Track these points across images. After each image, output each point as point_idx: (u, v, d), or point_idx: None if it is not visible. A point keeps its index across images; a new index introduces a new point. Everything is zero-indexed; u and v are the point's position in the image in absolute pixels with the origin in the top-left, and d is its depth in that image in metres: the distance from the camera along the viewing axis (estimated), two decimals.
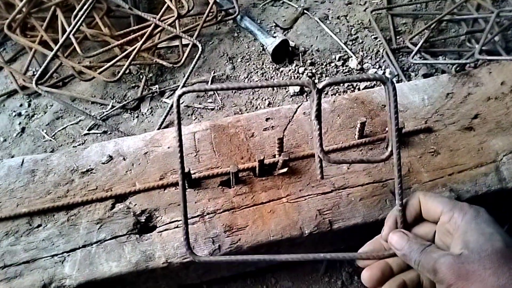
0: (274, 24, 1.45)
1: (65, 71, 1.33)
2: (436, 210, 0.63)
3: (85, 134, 1.16)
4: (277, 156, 0.88)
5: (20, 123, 1.21)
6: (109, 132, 1.15)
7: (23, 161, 0.91)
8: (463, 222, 0.58)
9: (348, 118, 0.96)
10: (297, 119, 0.97)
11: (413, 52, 1.30)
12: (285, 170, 0.85)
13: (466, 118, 0.96)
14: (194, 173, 0.86)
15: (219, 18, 1.43)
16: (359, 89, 1.27)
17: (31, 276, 0.75)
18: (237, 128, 0.95)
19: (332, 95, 1.25)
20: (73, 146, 1.14)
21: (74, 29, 1.21)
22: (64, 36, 1.21)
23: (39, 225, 0.81)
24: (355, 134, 0.92)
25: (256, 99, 1.25)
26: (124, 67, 1.20)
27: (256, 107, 1.22)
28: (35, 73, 1.29)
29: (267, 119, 0.97)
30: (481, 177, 0.87)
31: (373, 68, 1.32)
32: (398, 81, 1.28)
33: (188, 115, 1.20)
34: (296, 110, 0.98)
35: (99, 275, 0.75)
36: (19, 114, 1.23)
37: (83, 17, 1.21)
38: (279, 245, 0.81)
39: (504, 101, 1.00)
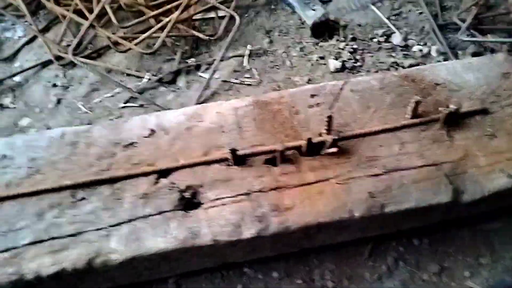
0: None
1: (99, 42, 1.30)
2: None
3: (121, 107, 1.14)
4: (324, 134, 0.84)
5: (55, 94, 1.19)
6: (145, 106, 1.13)
7: (63, 132, 0.90)
8: None
9: (399, 97, 0.92)
10: (344, 96, 0.93)
11: (462, 29, 1.22)
12: (334, 150, 0.82)
13: None
14: (237, 150, 0.83)
15: None
16: (403, 67, 1.21)
17: (77, 249, 0.75)
18: (281, 105, 0.92)
19: (375, 72, 1.19)
20: (110, 119, 1.12)
21: None
22: (100, 4, 1.18)
23: (83, 198, 0.80)
24: (406, 114, 0.87)
25: (294, 75, 1.20)
26: (160, 38, 1.16)
27: (295, 84, 1.18)
28: (69, 43, 1.26)
29: (312, 96, 0.93)
30: None
31: (418, 45, 1.26)
32: (445, 59, 1.21)
33: (225, 90, 1.17)
34: (343, 87, 0.94)
35: (145, 250, 0.74)
36: (55, 85, 1.21)
37: None
38: (327, 227, 0.79)
39: None
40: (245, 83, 1.19)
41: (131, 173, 0.82)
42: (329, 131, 0.83)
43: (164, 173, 0.83)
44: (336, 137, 0.80)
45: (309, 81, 1.18)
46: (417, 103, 0.83)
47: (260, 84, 1.19)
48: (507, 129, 0.86)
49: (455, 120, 0.86)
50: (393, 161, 0.82)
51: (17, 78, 1.23)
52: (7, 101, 1.18)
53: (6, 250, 0.75)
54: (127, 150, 0.86)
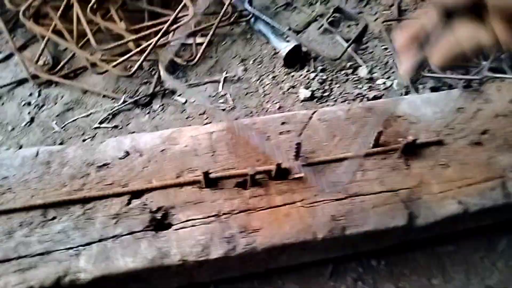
0: (287, 28, 1.46)
1: (77, 62, 1.32)
2: None
3: (95, 128, 1.16)
4: (292, 160, 0.89)
5: (29, 113, 1.20)
6: (120, 127, 1.15)
7: (37, 152, 0.91)
8: None
9: (362, 127, 0.98)
10: (313, 124, 0.98)
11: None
12: (301, 174, 0.87)
13: (475, 133, 0.99)
14: (210, 173, 0.86)
15: (233, 19, 1.44)
16: (368, 99, 1.29)
17: (45, 268, 0.75)
18: (254, 131, 0.96)
19: (342, 102, 1.27)
20: (83, 140, 1.14)
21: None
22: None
23: (54, 217, 0.82)
24: (369, 143, 0.94)
25: (266, 102, 1.26)
26: (139, 62, 1.20)
27: (267, 110, 1.23)
28: (46, 62, 1.28)
29: (282, 123, 0.98)
30: (488, 191, 0.90)
31: (382, 78, 1.35)
32: (406, 93, 1.30)
33: (200, 115, 1.21)
34: (312, 116, 1.00)
35: (115, 270, 0.76)
36: (29, 104, 1.22)
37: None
38: (292, 248, 0.83)
39: None
40: (219, 107, 1.23)
41: (104, 193, 0.84)
42: (297, 157, 0.88)
43: (136, 194, 0.85)
44: (304, 163, 0.85)
45: (279, 109, 1.24)
46: (379, 133, 0.89)
47: (234, 109, 1.24)
48: (460, 160, 0.94)
49: (413, 150, 0.93)
50: (356, 187, 0.87)
51: None
52: None
53: None
54: (101, 171, 0.88)
